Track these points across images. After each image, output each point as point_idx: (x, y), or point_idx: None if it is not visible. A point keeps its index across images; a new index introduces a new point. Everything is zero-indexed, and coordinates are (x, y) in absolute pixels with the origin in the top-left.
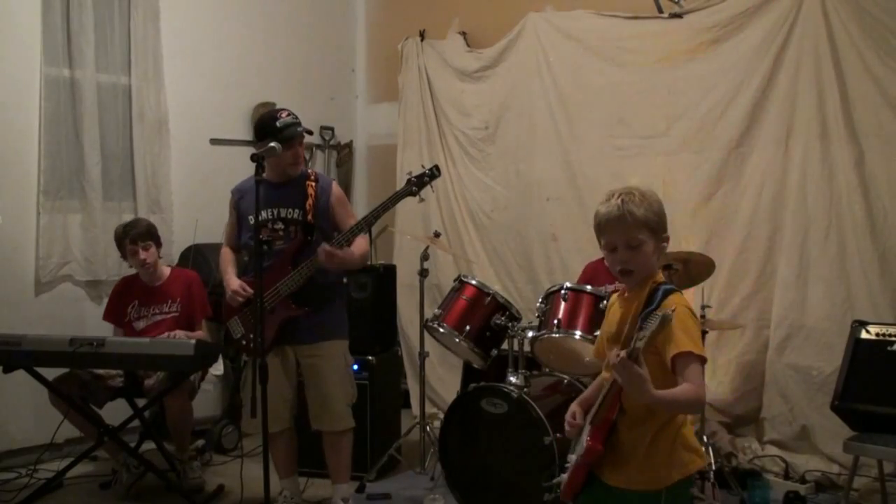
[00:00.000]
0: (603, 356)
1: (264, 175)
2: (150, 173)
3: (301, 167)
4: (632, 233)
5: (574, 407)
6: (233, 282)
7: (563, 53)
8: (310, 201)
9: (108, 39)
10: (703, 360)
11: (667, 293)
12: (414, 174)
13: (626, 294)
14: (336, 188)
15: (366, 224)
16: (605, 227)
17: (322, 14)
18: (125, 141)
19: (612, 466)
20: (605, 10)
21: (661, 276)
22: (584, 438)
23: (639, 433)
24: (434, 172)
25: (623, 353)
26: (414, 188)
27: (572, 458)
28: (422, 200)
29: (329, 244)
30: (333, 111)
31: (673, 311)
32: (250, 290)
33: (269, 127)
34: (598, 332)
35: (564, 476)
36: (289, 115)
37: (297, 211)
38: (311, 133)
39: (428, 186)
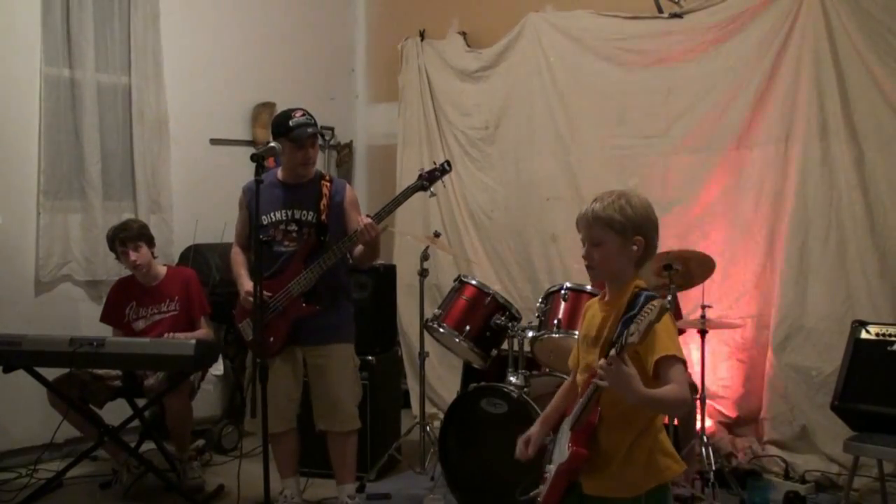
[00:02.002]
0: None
1: (279, 176)
2: (150, 173)
3: (312, 168)
4: (593, 230)
5: (535, 428)
6: (247, 283)
7: (563, 53)
8: (324, 201)
9: (108, 39)
10: (684, 362)
11: (648, 299)
12: (425, 169)
13: (605, 298)
14: (350, 191)
15: (377, 218)
16: (578, 224)
17: (322, 14)
18: (125, 141)
19: (589, 474)
20: (605, 10)
21: (642, 282)
22: (566, 445)
23: (617, 439)
24: (445, 167)
25: (612, 352)
26: (425, 183)
27: (550, 468)
28: (433, 195)
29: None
30: (333, 111)
31: (670, 300)
32: (266, 293)
33: (281, 126)
34: None
35: (544, 487)
36: (303, 115)
37: (310, 213)
38: (323, 136)
39: (439, 182)
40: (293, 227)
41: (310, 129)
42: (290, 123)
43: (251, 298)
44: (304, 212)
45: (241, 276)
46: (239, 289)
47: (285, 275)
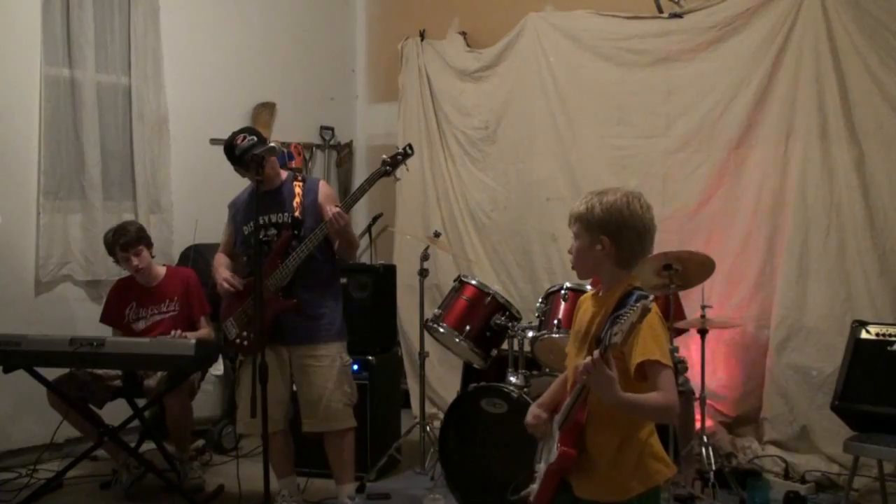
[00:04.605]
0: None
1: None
2: (150, 173)
3: (279, 177)
4: (570, 225)
5: (534, 409)
6: (224, 272)
7: (563, 53)
8: (297, 200)
9: (108, 39)
10: (671, 368)
11: (640, 299)
12: (388, 155)
13: (599, 294)
14: (323, 186)
15: (345, 207)
16: None
17: (322, 14)
18: (125, 141)
19: (578, 476)
20: (605, 10)
21: (635, 281)
22: (555, 444)
23: (603, 440)
24: (407, 151)
25: (596, 353)
26: (388, 168)
27: (540, 466)
28: (397, 180)
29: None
30: (333, 111)
31: (653, 299)
32: (239, 280)
33: (230, 155)
34: None
35: (535, 486)
36: (244, 139)
37: (285, 214)
38: (273, 150)
39: (402, 165)
40: (272, 231)
41: (256, 152)
42: (236, 153)
43: (225, 284)
44: (279, 214)
45: (219, 269)
46: (216, 278)
47: (262, 270)
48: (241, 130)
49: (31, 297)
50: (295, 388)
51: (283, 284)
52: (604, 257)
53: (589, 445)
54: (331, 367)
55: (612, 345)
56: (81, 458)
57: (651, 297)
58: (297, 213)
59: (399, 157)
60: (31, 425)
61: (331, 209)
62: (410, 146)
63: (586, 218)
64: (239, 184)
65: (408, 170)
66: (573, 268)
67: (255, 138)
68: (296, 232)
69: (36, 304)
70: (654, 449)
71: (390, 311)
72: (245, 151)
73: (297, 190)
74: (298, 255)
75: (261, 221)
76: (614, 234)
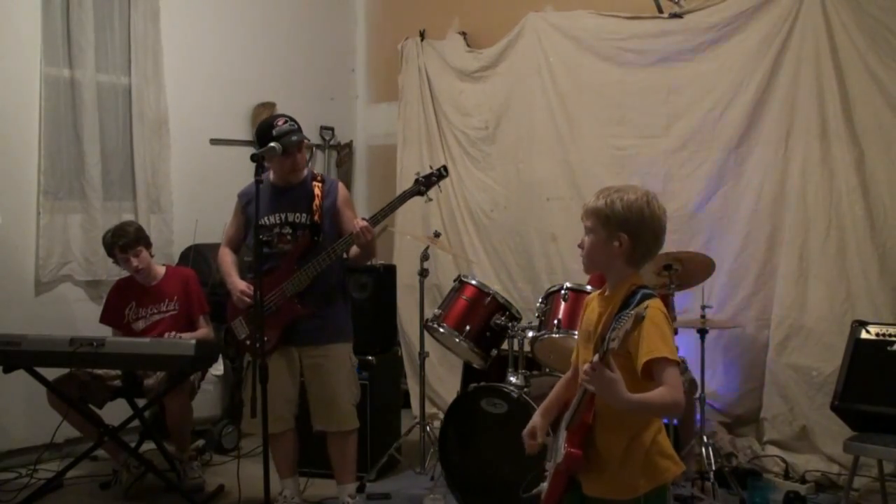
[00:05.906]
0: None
1: (271, 179)
2: (150, 173)
3: (302, 172)
4: (587, 218)
5: (536, 420)
6: (239, 283)
7: (563, 53)
8: (316, 202)
9: (108, 39)
10: (678, 364)
11: (644, 297)
12: (422, 174)
13: (605, 293)
14: (342, 189)
15: (373, 222)
16: None
17: (322, 14)
18: (125, 141)
19: (587, 474)
20: (605, 10)
21: (640, 280)
22: (562, 444)
23: (612, 439)
24: (442, 172)
25: (595, 357)
26: (422, 188)
27: (550, 465)
28: (429, 200)
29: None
30: (333, 111)
31: (646, 308)
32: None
33: (266, 136)
34: None
35: (545, 485)
36: (286, 122)
37: (304, 215)
38: (307, 140)
39: (436, 186)
40: (287, 229)
41: (294, 137)
42: (274, 133)
43: (246, 298)
44: (298, 214)
45: (231, 275)
46: (230, 289)
47: (278, 274)
48: (281, 115)
49: (31, 297)
50: (306, 387)
51: (301, 290)
52: (618, 254)
53: (598, 444)
54: (341, 368)
55: (609, 349)
56: (81, 458)
57: (655, 295)
58: (316, 217)
59: (434, 177)
60: (31, 425)
61: (358, 223)
62: (445, 168)
63: (605, 214)
64: (240, 182)
65: (441, 190)
66: (582, 261)
67: (296, 125)
68: (315, 238)
69: (36, 304)
70: (662, 447)
71: (390, 311)
72: (284, 134)
73: (317, 191)
74: (319, 264)
75: (277, 219)
76: (633, 232)
